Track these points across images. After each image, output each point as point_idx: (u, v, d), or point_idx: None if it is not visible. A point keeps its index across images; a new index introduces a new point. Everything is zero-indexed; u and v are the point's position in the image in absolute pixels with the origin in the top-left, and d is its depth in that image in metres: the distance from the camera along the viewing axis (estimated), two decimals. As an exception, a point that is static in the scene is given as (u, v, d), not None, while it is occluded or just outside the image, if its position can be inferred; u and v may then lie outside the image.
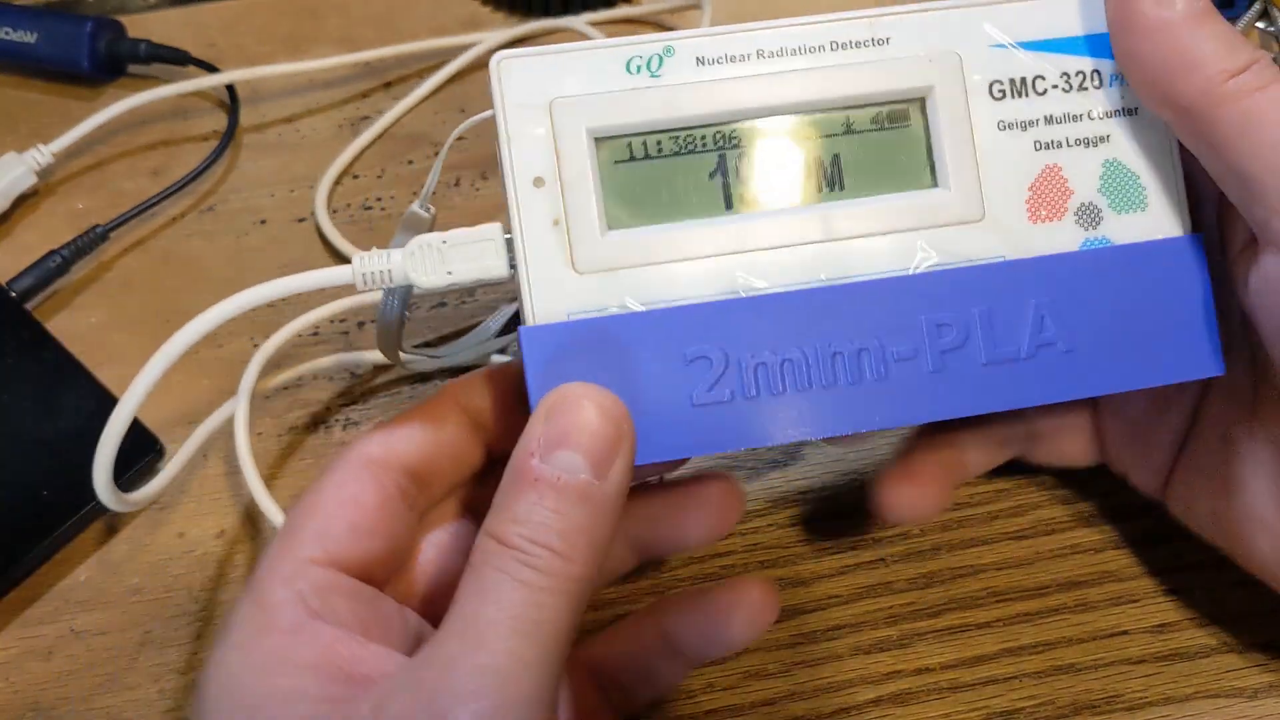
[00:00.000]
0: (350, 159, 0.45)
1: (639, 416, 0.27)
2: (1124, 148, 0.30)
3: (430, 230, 0.30)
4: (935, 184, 0.29)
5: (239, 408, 0.37)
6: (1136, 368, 0.29)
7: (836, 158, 0.29)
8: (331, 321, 0.41)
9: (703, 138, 0.29)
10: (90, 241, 0.43)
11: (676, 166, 0.29)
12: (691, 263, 0.29)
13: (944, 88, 0.29)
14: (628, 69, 0.29)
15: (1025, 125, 0.30)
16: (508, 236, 0.28)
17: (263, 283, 0.29)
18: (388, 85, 0.48)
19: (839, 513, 0.37)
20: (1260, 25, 0.47)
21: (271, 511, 0.36)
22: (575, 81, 0.29)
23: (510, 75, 0.28)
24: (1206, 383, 0.32)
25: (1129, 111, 0.30)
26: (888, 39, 0.30)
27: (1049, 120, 0.30)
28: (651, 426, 0.28)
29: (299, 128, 0.47)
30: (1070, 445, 0.35)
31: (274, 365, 0.40)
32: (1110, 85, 0.30)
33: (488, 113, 0.29)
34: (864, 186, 0.29)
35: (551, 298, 0.28)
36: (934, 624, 0.35)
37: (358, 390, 0.40)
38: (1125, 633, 0.34)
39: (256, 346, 0.41)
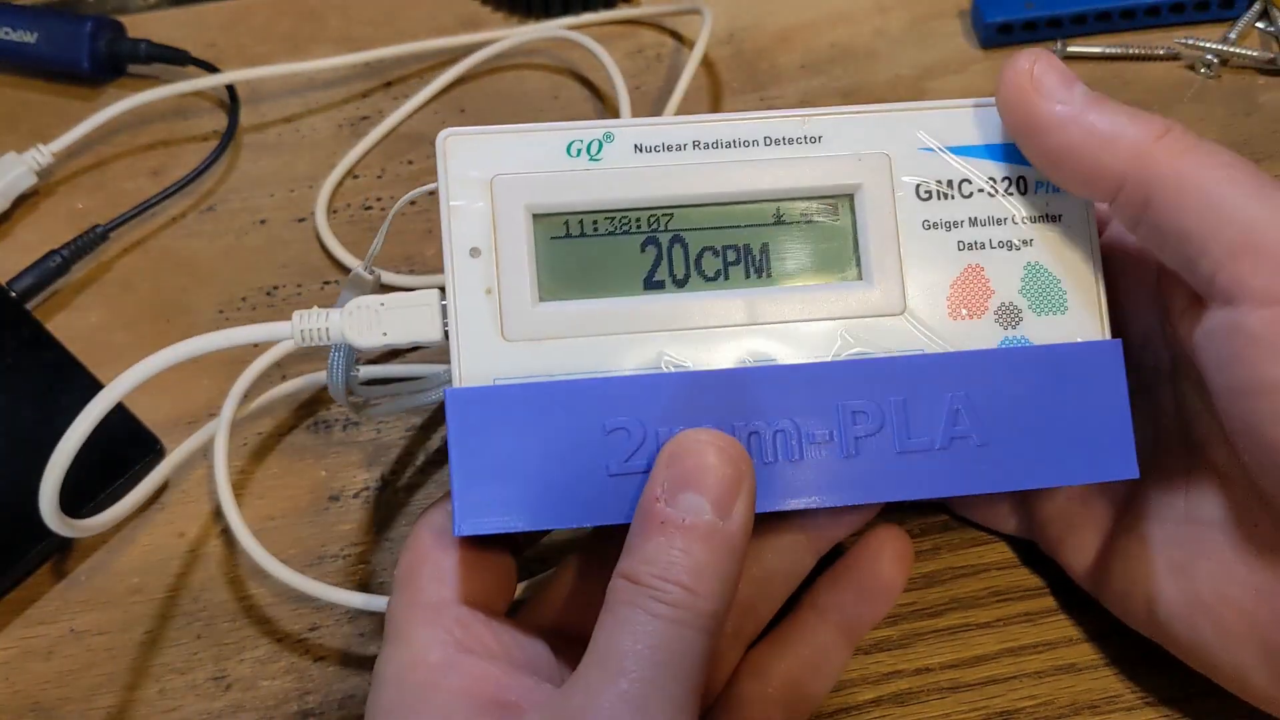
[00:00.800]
0: (354, 160, 0.45)
1: (555, 484, 0.28)
2: (1046, 252, 0.31)
3: (372, 293, 0.31)
4: (860, 277, 0.30)
5: (219, 435, 0.37)
6: (1051, 466, 0.30)
7: (765, 246, 0.30)
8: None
9: (637, 220, 0.30)
10: (90, 241, 0.43)
11: (609, 245, 0.30)
12: (618, 337, 0.29)
13: (872, 186, 0.30)
14: (568, 152, 0.30)
15: (950, 225, 0.31)
16: (444, 303, 0.29)
17: (206, 334, 0.30)
18: (388, 85, 0.48)
19: (839, 513, 0.37)
20: (1260, 25, 0.47)
21: (236, 524, 0.35)
22: (517, 160, 0.30)
23: (456, 151, 0.30)
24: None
25: (1052, 218, 0.31)
26: (819, 137, 0.31)
27: (973, 222, 0.31)
28: (567, 492, 0.28)
29: (299, 128, 0.47)
30: (994, 516, 0.36)
31: (264, 379, 0.39)
32: (1035, 191, 0.31)
33: (432, 185, 0.30)
34: (790, 275, 0.30)
35: (480, 363, 0.29)
36: (934, 624, 0.35)
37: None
38: (1125, 633, 0.34)
39: (256, 346, 0.41)
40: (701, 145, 0.30)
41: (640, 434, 0.28)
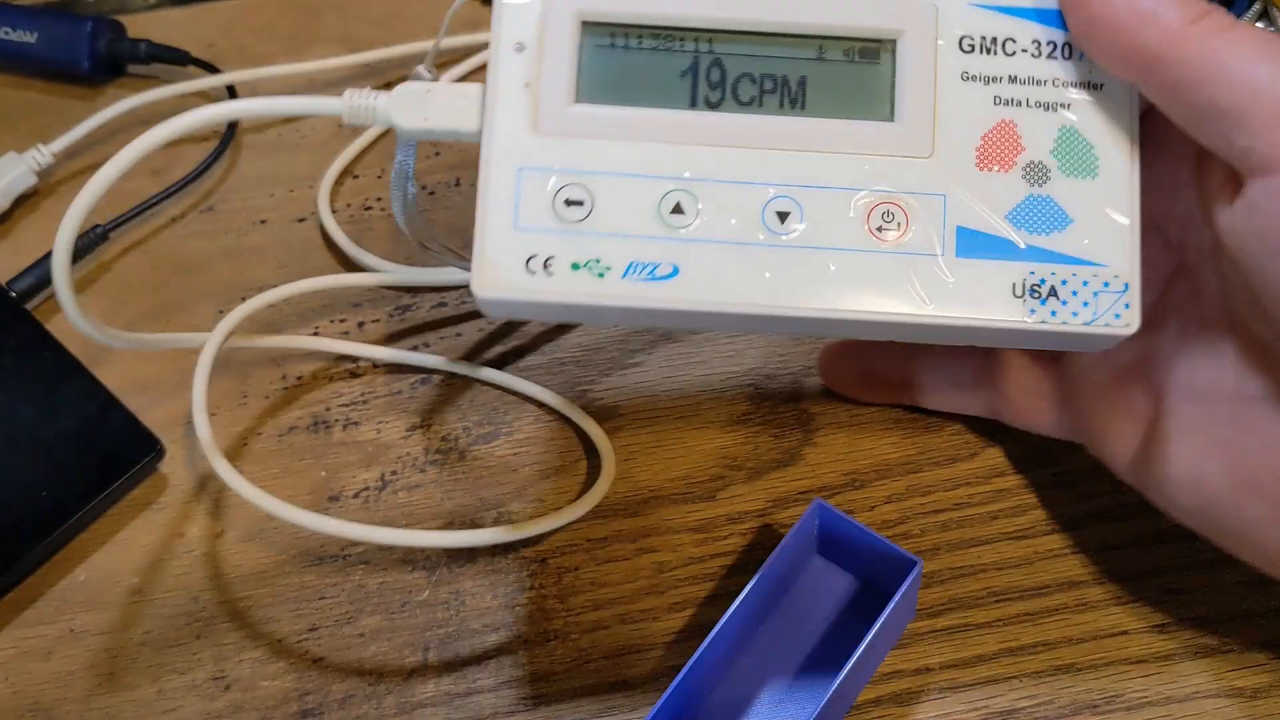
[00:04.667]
0: (353, 159, 0.45)
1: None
2: (1083, 118, 0.31)
3: None
4: (892, 118, 0.31)
5: (201, 363, 0.36)
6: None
7: (803, 79, 0.31)
8: (331, 322, 0.41)
9: (681, 38, 0.31)
10: (90, 241, 0.43)
11: (649, 59, 0.31)
12: (644, 145, 0.30)
13: (915, 32, 0.31)
14: None
15: (989, 80, 0.31)
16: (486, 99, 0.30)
17: (252, 99, 0.30)
18: (388, 85, 0.47)
19: (839, 513, 0.37)
20: (1260, 25, 0.47)
21: (251, 494, 0.35)
22: None
23: None
24: (1175, 345, 0.32)
25: (1094, 86, 0.31)
26: None
27: (1013, 80, 0.31)
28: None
29: (299, 128, 0.47)
30: (1035, 409, 0.36)
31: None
32: (1080, 58, 0.31)
33: None
34: (823, 110, 0.31)
35: (510, 150, 0.30)
36: (934, 624, 0.35)
37: (358, 390, 0.40)
38: (1125, 633, 0.34)
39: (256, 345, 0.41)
40: None
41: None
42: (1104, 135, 0.31)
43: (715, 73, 0.31)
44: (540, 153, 0.30)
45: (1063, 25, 0.31)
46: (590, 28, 0.30)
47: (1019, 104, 0.31)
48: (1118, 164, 0.30)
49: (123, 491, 0.38)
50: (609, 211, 0.30)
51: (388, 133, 0.46)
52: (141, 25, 0.49)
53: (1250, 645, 0.34)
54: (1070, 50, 0.31)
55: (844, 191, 0.30)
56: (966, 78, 0.31)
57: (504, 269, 0.29)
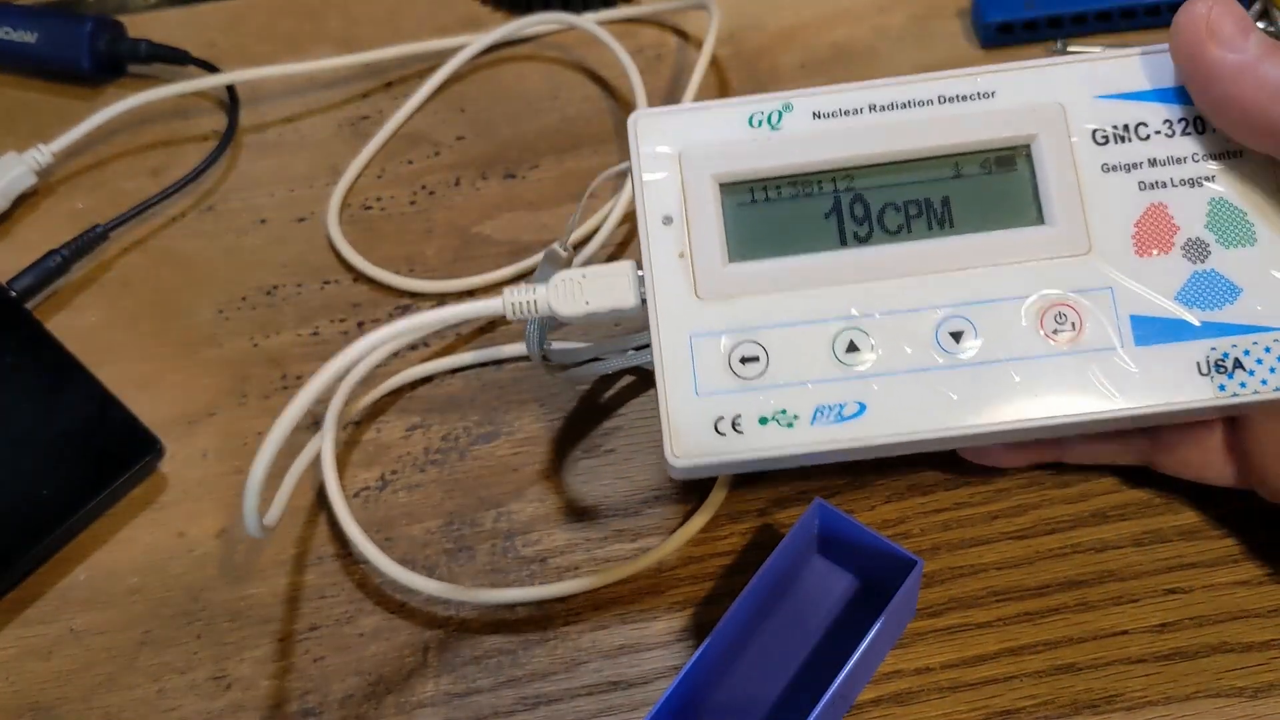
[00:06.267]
0: (358, 162, 0.45)
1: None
2: (1229, 186, 0.31)
3: (566, 267, 0.33)
4: (1042, 221, 0.31)
5: (325, 444, 0.38)
6: None
7: (946, 199, 0.31)
8: (331, 321, 0.41)
9: (819, 182, 0.31)
10: (90, 241, 0.43)
11: (793, 208, 0.31)
12: (805, 291, 0.31)
13: (1048, 134, 0.31)
14: (750, 123, 0.32)
15: (1129, 167, 0.31)
16: (640, 274, 0.31)
17: (423, 312, 0.31)
18: (388, 85, 0.48)
19: (839, 513, 0.37)
20: (1260, 25, 0.47)
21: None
22: (703, 134, 0.32)
23: (647, 129, 0.32)
24: None
25: (1233, 154, 0.31)
26: (993, 93, 0.31)
27: (1153, 163, 0.31)
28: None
29: (299, 128, 0.47)
30: (1201, 460, 0.34)
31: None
32: (1213, 130, 0.31)
33: (625, 164, 0.33)
34: (973, 224, 0.31)
35: (677, 320, 0.31)
36: (934, 624, 0.35)
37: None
38: (1125, 633, 0.34)
39: (256, 346, 0.41)
40: (877, 108, 0.31)
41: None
42: (1254, 200, 0.31)
43: (859, 208, 0.31)
44: (707, 317, 0.31)
45: (1188, 100, 0.31)
46: (728, 189, 0.31)
47: (1164, 185, 0.31)
48: (1273, 226, 0.30)
49: (123, 491, 0.38)
50: (785, 362, 0.30)
51: (391, 135, 0.46)
52: (141, 25, 0.49)
53: (1250, 645, 0.34)
54: (1202, 124, 0.31)
55: (1012, 301, 0.30)
56: (1107, 169, 0.31)
57: (695, 435, 0.30)
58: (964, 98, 0.31)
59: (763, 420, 0.30)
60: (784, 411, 0.30)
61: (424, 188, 0.44)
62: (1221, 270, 0.30)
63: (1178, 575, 0.35)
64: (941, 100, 0.31)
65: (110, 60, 0.47)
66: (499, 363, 0.40)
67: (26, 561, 0.36)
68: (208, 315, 0.42)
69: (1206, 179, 0.31)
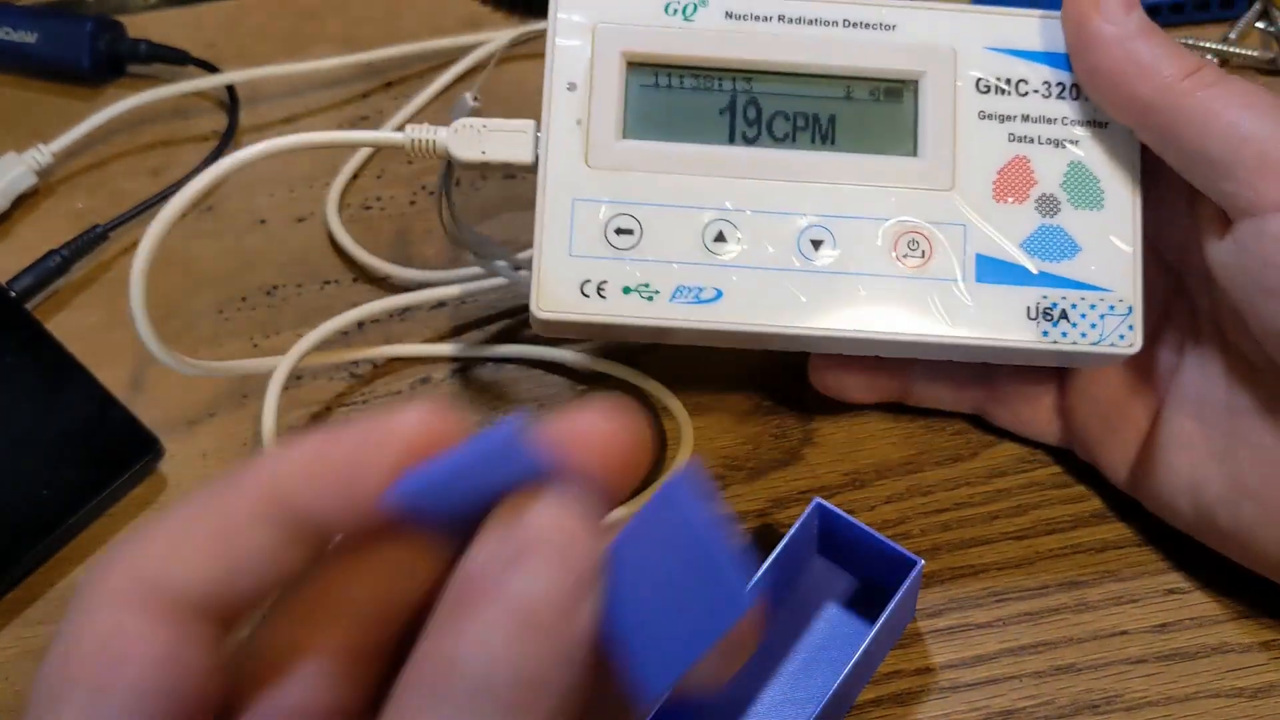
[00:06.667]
0: (365, 162, 0.45)
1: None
2: (1090, 153, 0.33)
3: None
4: (915, 154, 0.33)
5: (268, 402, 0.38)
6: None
7: (833, 117, 0.33)
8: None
9: (721, 79, 0.33)
10: (90, 241, 0.43)
11: (693, 99, 0.33)
12: (687, 178, 0.32)
13: (936, 74, 0.33)
14: (665, 10, 0.33)
15: (1004, 118, 0.33)
16: (538, 134, 0.32)
17: (322, 131, 0.33)
18: (388, 85, 0.48)
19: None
20: (1260, 25, 0.47)
21: None
22: (619, 12, 0.33)
23: None
24: (1172, 361, 0.34)
25: (1099, 124, 0.33)
26: (894, 25, 0.33)
27: (1025, 118, 0.33)
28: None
29: (299, 128, 0.46)
30: (1031, 415, 0.36)
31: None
32: (1086, 99, 0.33)
33: (542, 24, 0.34)
34: (852, 146, 0.33)
35: (564, 182, 0.32)
36: (934, 624, 0.35)
37: (358, 390, 0.40)
38: (1125, 633, 0.34)
39: (255, 346, 0.41)
40: (787, 19, 0.33)
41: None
42: (1109, 170, 0.33)
43: (751, 111, 0.33)
44: (592, 185, 0.32)
45: (1070, 68, 0.33)
46: (635, 68, 0.33)
47: (1031, 141, 0.33)
48: (1122, 196, 0.32)
49: (122, 491, 0.38)
50: (657, 239, 0.32)
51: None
52: (141, 25, 0.49)
53: (1250, 645, 0.34)
54: (1078, 91, 0.33)
55: (873, 221, 0.32)
56: (983, 116, 0.33)
57: (561, 292, 0.32)
58: (868, 25, 0.33)
59: (626, 290, 0.32)
60: (647, 285, 0.32)
61: (424, 188, 0.44)
62: (1067, 228, 0.32)
63: (1178, 575, 0.35)
64: (847, 24, 0.33)
65: (110, 60, 0.47)
66: (499, 362, 0.40)
67: (26, 561, 0.36)
68: (208, 315, 0.42)
69: (1071, 142, 0.33)
